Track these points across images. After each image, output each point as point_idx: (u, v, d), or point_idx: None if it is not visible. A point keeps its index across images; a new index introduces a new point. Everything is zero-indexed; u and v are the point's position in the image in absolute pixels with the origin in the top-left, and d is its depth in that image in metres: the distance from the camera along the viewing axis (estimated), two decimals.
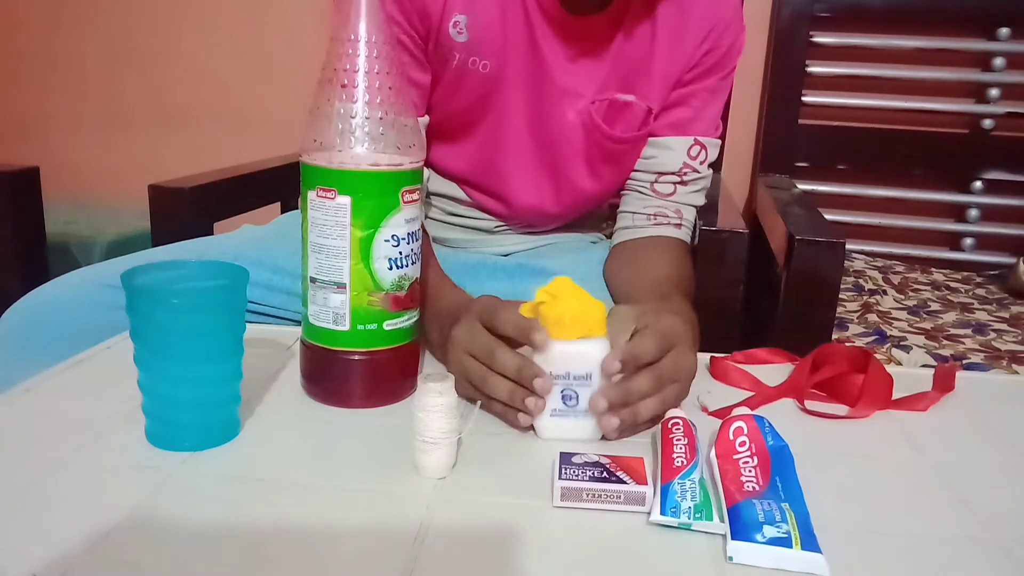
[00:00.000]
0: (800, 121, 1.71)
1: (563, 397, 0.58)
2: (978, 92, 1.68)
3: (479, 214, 1.00)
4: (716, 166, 1.62)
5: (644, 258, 0.90)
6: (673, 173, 0.95)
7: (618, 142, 0.92)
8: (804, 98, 1.70)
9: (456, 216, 1.00)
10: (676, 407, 0.59)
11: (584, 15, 0.85)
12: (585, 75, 0.89)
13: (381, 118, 0.57)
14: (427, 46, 0.84)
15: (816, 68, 1.69)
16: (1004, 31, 1.63)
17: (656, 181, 0.96)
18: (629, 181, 0.98)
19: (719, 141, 0.98)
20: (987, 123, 1.67)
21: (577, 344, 0.57)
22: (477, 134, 0.91)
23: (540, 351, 0.58)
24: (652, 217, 0.95)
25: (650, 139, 0.95)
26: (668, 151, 0.95)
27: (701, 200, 0.99)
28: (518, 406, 0.58)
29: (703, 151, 0.95)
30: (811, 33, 1.67)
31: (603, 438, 0.58)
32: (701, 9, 0.89)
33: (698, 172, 0.96)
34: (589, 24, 0.85)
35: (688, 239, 0.97)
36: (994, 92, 1.66)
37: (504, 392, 0.58)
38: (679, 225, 0.96)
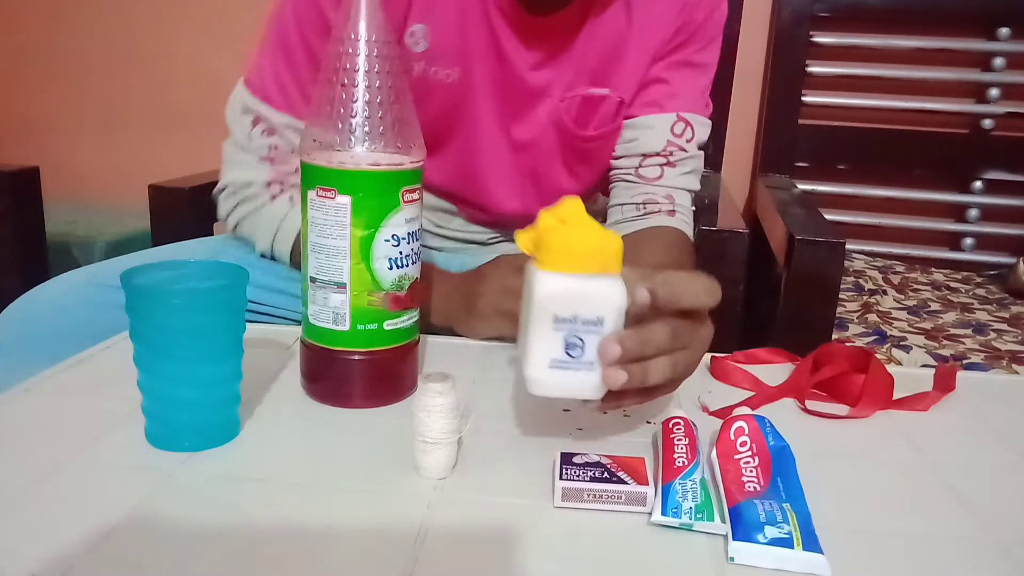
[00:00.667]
0: (800, 121, 1.71)
1: (566, 345, 0.50)
2: (978, 92, 1.68)
3: (471, 227, 0.99)
4: (716, 166, 1.64)
5: (637, 253, 0.82)
6: (658, 154, 0.89)
7: (589, 140, 0.90)
8: (804, 98, 1.70)
9: (448, 228, 1.00)
10: (685, 378, 0.55)
11: (545, 14, 0.82)
12: (554, 74, 0.86)
13: (381, 117, 0.57)
14: None
15: (816, 68, 1.69)
16: (1004, 31, 1.63)
17: (641, 165, 0.90)
18: (614, 172, 0.92)
19: (708, 121, 0.92)
20: (987, 123, 1.67)
21: (590, 281, 0.49)
22: (451, 146, 0.89)
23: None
24: (642, 206, 0.89)
25: (629, 121, 0.90)
26: (649, 130, 0.89)
27: (695, 184, 0.93)
28: None
29: (688, 128, 0.89)
30: (811, 33, 1.67)
31: (604, 400, 0.52)
32: (667, 5, 0.86)
33: (685, 151, 0.90)
34: (552, 23, 0.83)
35: (686, 228, 0.90)
36: (994, 92, 1.66)
37: None
38: (672, 212, 0.89)
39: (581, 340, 0.50)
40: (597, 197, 1.06)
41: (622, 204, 0.91)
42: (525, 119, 0.88)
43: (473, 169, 0.91)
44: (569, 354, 0.50)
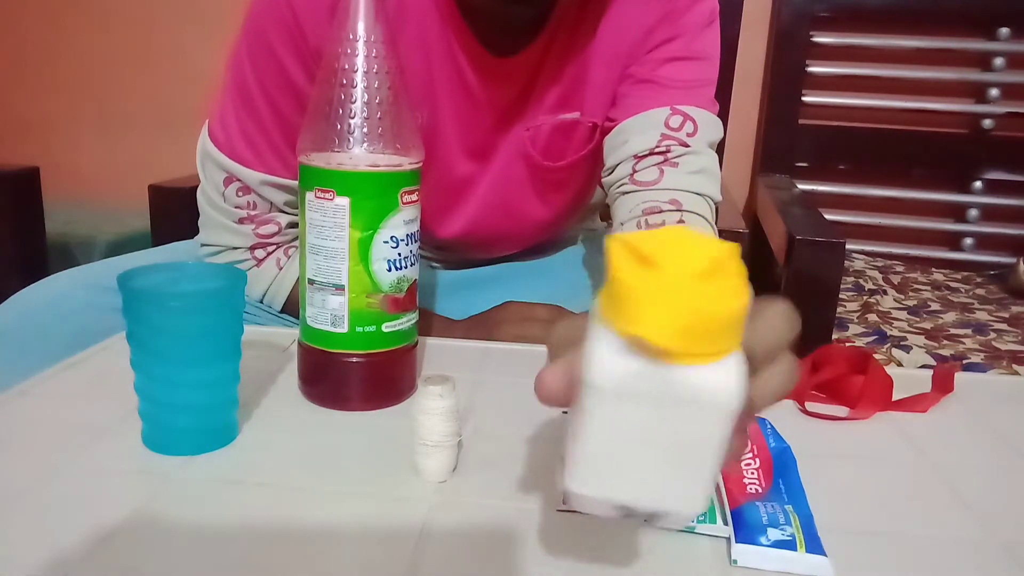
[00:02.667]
0: (800, 121, 1.71)
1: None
2: (978, 92, 1.68)
3: (459, 259, 0.98)
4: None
5: None
6: (652, 152, 0.78)
7: (559, 169, 0.86)
8: (804, 98, 1.70)
9: (436, 261, 0.99)
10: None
11: (507, 56, 0.79)
12: (521, 110, 0.83)
13: (380, 118, 0.57)
14: None
15: (816, 68, 1.69)
16: (1004, 31, 1.63)
17: (635, 170, 0.79)
18: (612, 189, 0.83)
19: (716, 119, 0.82)
20: (987, 123, 1.67)
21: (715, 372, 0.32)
22: (423, 188, 0.89)
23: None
24: (644, 220, 0.77)
25: (617, 127, 0.82)
26: (639, 127, 0.79)
27: (708, 187, 0.79)
28: None
29: (688, 121, 0.78)
30: (811, 33, 1.67)
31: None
32: (638, 9, 0.80)
33: (687, 146, 0.78)
34: (516, 63, 0.80)
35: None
36: (994, 92, 1.66)
37: None
38: (680, 223, 0.76)
39: None
40: (594, 192, 1.05)
41: (622, 223, 0.80)
42: (495, 155, 0.86)
43: (448, 209, 0.89)
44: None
